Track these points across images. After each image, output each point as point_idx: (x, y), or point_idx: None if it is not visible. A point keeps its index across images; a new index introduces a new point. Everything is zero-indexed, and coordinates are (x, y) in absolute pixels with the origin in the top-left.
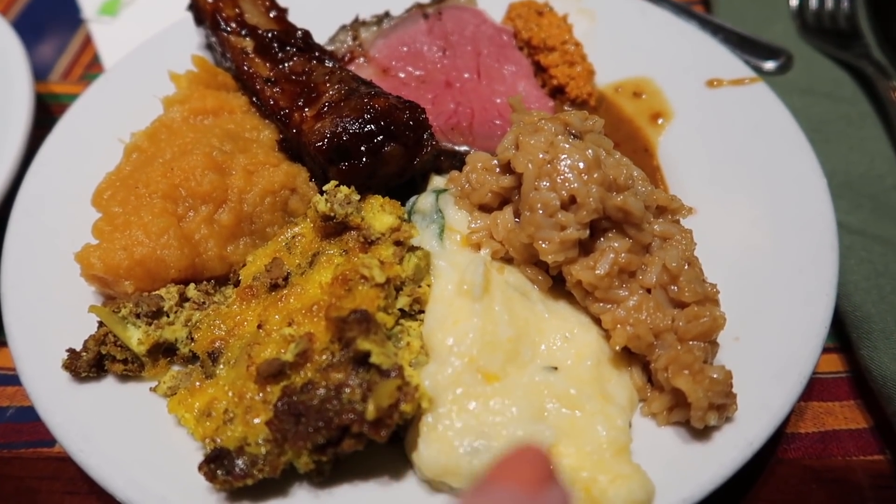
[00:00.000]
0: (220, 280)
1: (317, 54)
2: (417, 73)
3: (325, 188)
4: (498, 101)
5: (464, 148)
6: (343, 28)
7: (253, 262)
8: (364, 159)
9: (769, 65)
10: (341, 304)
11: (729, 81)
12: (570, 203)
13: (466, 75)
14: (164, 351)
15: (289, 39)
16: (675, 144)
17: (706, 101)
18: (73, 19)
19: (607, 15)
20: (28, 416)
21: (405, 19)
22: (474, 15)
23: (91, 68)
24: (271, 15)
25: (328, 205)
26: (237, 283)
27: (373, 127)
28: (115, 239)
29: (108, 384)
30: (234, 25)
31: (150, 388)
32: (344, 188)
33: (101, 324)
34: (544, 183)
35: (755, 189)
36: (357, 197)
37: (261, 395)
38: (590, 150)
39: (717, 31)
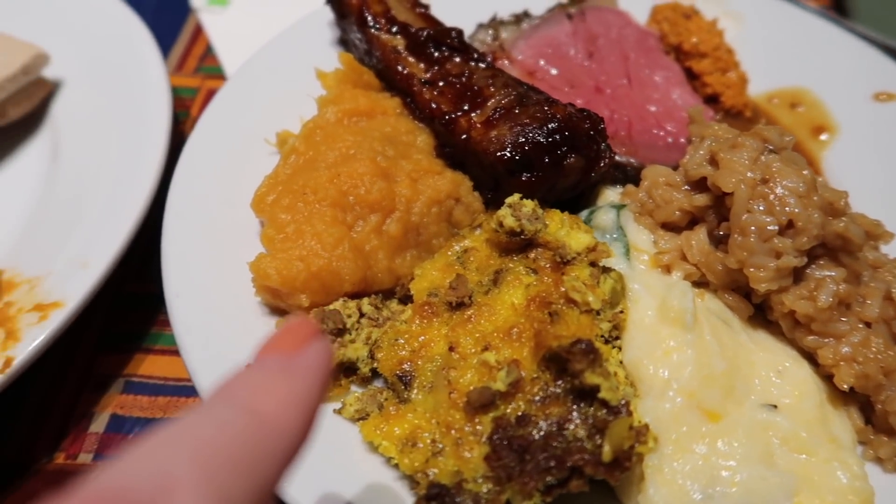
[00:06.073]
0: (385, 294)
1: (475, 55)
2: (565, 76)
3: (507, 201)
4: (652, 108)
5: (632, 160)
6: (482, 26)
7: (422, 275)
8: (547, 171)
9: None
10: (555, 331)
11: None
12: (786, 228)
13: (617, 81)
14: (345, 370)
15: (444, 39)
16: (844, 161)
17: (875, 115)
18: (181, 9)
19: (756, 19)
20: None
21: (548, 19)
22: (618, 16)
23: (205, 60)
24: (417, 11)
25: (516, 220)
26: (403, 297)
27: (557, 137)
28: (289, 249)
29: None
30: (382, 22)
31: (334, 410)
32: (528, 202)
33: None
34: (759, 206)
35: None
36: (541, 211)
37: (469, 426)
38: (806, 171)
39: (861, 39)
